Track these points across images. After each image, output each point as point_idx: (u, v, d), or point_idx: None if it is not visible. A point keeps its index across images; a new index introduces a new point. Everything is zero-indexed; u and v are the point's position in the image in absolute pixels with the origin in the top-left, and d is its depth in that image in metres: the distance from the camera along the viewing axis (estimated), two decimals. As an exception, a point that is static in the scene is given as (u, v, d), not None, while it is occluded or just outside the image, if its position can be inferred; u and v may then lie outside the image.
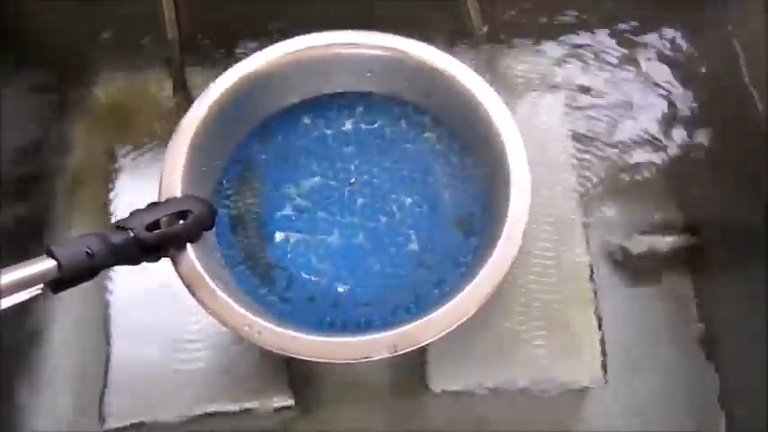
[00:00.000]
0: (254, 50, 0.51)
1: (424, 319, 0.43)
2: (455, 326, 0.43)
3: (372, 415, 0.54)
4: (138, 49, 0.68)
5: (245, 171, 0.52)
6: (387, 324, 0.45)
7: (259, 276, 0.49)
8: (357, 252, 0.49)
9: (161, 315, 0.54)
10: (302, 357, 0.42)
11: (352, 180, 0.52)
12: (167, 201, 0.45)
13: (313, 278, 0.49)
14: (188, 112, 0.48)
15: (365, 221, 0.50)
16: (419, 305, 0.47)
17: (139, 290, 0.55)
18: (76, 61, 0.68)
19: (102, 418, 0.51)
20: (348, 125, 0.54)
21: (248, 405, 0.52)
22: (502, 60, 0.67)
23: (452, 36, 0.67)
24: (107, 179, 0.61)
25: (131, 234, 0.40)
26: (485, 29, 0.68)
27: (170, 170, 0.46)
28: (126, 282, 0.55)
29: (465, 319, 0.43)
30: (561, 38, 0.68)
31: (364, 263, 0.49)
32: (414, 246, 0.50)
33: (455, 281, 0.47)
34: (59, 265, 0.37)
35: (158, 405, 0.51)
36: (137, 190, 0.60)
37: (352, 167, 0.52)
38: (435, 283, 0.48)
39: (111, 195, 0.60)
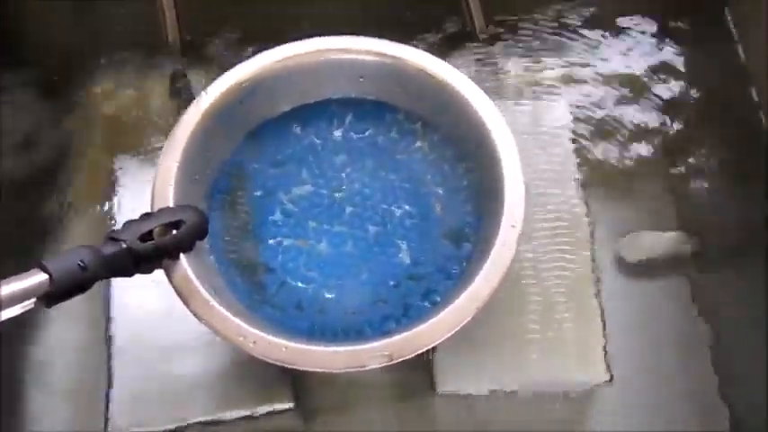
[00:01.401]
0: (257, 52, 0.51)
1: (421, 326, 0.43)
2: (451, 333, 0.43)
3: (376, 417, 0.54)
4: (139, 50, 0.68)
5: (237, 179, 0.52)
6: (378, 333, 0.45)
7: (251, 282, 0.49)
8: (345, 260, 0.49)
9: (162, 322, 0.54)
10: (297, 367, 0.43)
11: (343, 188, 0.52)
12: (160, 211, 0.44)
13: (301, 284, 0.49)
14: (180, 121, 0.48)
15: (354, 230, 0.50)
16: (409, 315, 0.47)
17: (140, 297, 0.55)
18: (76, 62, 0.68)
19: (105, 428, 0.51)
20: (338, 133, 0.53)
21: (250, 411, 0.52)
22: (505, 63, 0.67)
23: (454, 39, 0.67)
24: (106, 184, 0.61)
25: (124, 245, 0.40)
26: (488, 31, 0.67)
27: (162, 179, 0.46)
28: (127, 290, 0.55)
29: (461, 326, 0.43)
30: (565, 40, 0.68)
31: (352, 271, 0.49)
32: (404, 256, 0.49)
33: (446, 292, 0.47)
34: (51, 278, 0.37)
35: (161, 413, 0.52)
36: (137, 196, 0.60)
37: (343, 176, 0.52)
38: (425, 293, 0.48)
39: (111, 201, 0.60)
